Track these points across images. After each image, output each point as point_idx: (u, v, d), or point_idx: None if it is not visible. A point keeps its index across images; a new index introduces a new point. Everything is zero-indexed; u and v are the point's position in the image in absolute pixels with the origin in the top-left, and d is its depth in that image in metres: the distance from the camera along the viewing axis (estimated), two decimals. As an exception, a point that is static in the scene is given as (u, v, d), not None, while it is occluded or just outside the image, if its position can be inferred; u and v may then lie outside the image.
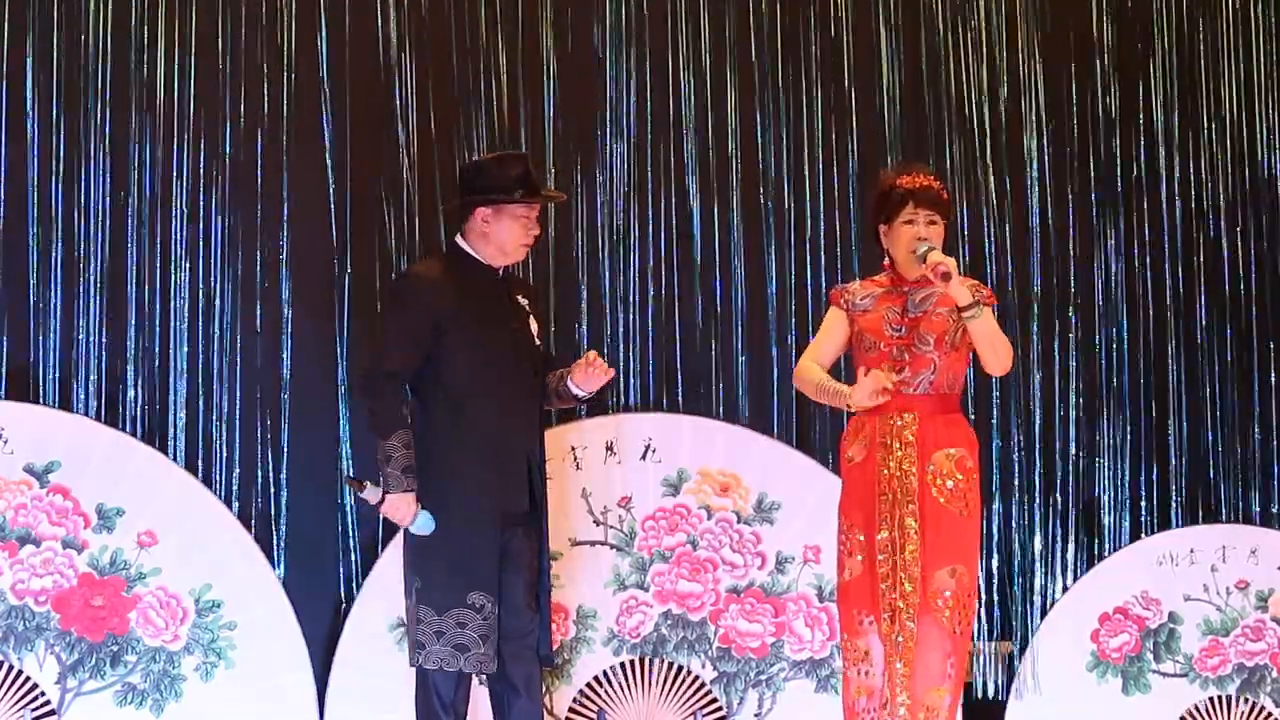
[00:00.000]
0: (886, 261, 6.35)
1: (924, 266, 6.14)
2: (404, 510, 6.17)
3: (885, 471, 6.21)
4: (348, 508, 7.55)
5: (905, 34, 8.01)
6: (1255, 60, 8.16)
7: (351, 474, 6.09)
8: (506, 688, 6.29)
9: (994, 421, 7.91)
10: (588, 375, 6.31)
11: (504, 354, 6.25)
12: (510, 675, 6.28)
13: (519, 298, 6.37)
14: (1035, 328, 7.99)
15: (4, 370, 7.45)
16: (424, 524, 6.19)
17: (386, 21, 7.72)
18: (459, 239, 6.32)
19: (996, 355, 6.20)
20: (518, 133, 7.73)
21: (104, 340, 7.50)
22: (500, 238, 6.27)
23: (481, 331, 6.22)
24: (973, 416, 7.73)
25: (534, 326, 6.37)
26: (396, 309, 6.26)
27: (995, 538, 7.84)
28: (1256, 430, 8.04)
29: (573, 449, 7.43)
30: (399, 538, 7.38)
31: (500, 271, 6.33)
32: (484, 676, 6.28)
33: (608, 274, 7.78)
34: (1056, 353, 7.99)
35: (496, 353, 6.23)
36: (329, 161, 7.66)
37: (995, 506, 7.84)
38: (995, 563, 7.84)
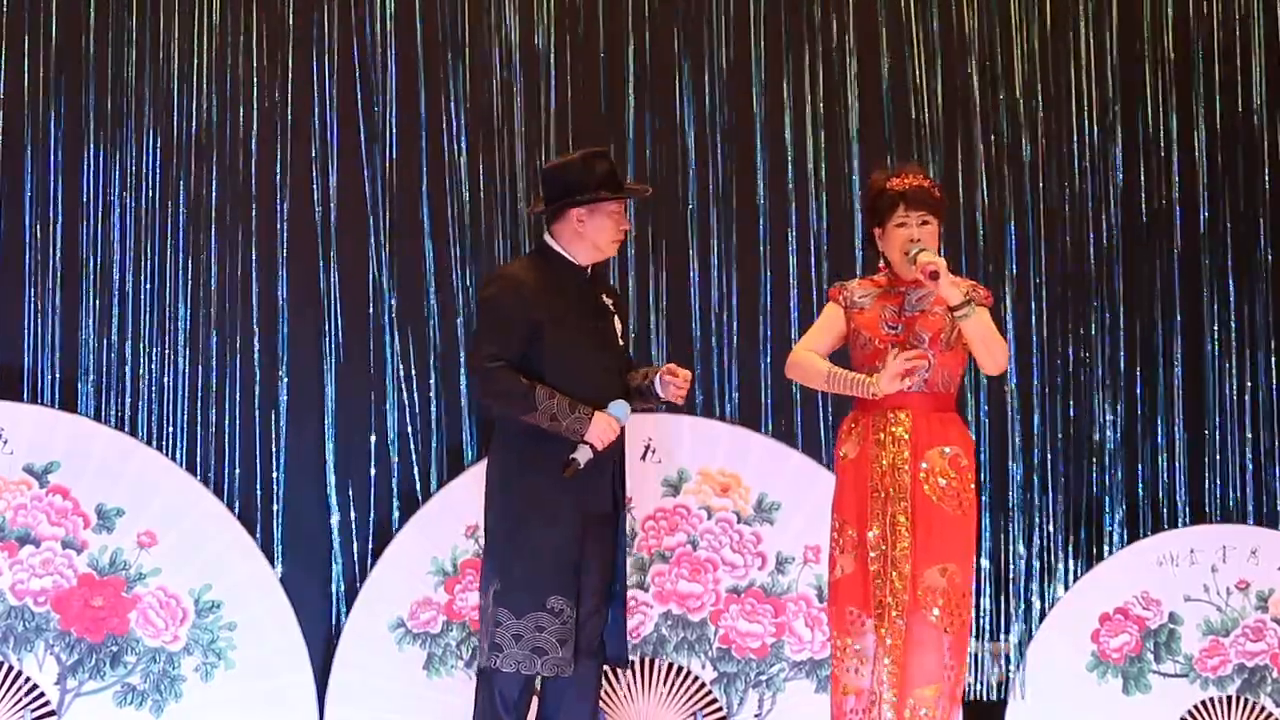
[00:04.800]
0: (882, 264, 6.36)
1: (915, 268, 6.16)
2: (606, 430, 6.15)
3: (878, 468, 6.22)
4: (346, 508, 7.56)
5: (903, 33, 8.01)
6: (1253, 59, 8.16)
7: (564, 468, 6.09)
8: (563, 685, 6.28)
9: (993, 421, 7.90)
10: (669, 388, 6.35)
11: (595, 354, 6.28)
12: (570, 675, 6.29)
13: (603, 296, 6.39)
14: (1036, 327, 7.98)
15: (3, 370, 7.45)
16: (623, 410, 6.19)
17: (383, 24, 7.72)
18: (548, 239, 6.33)
19: (991, 355, 6.21)
20: (512, 132, 7.73)
21: (104, 340, 7.50)
22: (595, 236, 6.29)
23: (574, 332, 6.24)
24: (972, 416, 7.75)
25: (618, 326, 6.39)
26: (490, 310, 6.26)
27: (995, 538, 7.84)
28: (1253, 430, 8.03)
29: (573, 449, 7.43)
30: (400, 539, 7.41)
31: (589, 270, 6.35)
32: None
33: (608, 275, 7.78)
34: (1057, 352, 7.98)
35: (588, 352, 6.26)
36: (323, 165, 7.66)
37: (995, 507, 7.84)
38: (995, 563, 7.84)
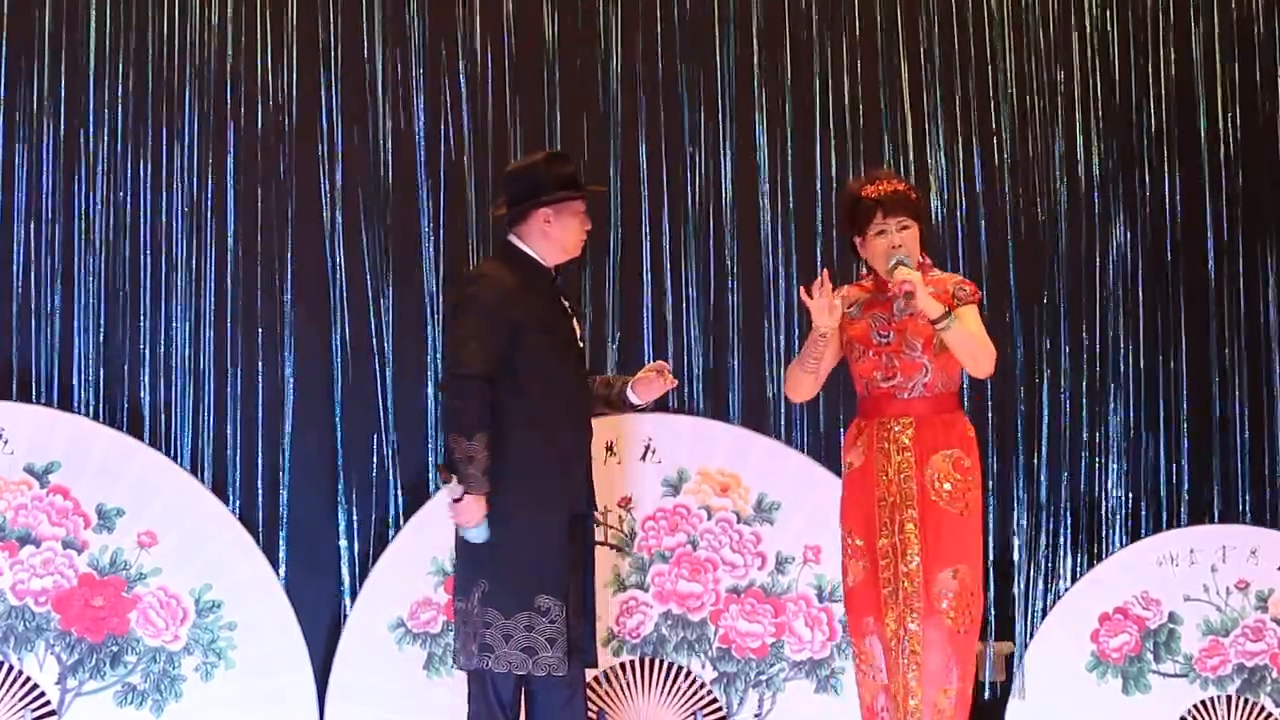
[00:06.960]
0: (864, 271, 6.36)
1: (892, 284, 6.15)
2: (475, 513, 6.13)
3: (884, 477, 6.22)
4: (347, 508, 7.56)
5: (901, 33, 8.01)
6: (1254, 60, 8.16)
7: (443, 462, 6.10)
8: (552, 686, 6.27)
9: (994, 421, 7.89)
10: (651, 386, 6.36)
11: (571, 354, 6.32)
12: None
13: (562, 298, 6.41)
14: (1037, 328, 7.98)
15: (4, 370, 7.46)
16: (480, 533, 6.16)
17: (381, 25, 7.73)
18: (514, 240, 6.33)
19: (975, 361, 6.20)
20: (511, 134, 7.73)
21: (104, 340, 7.51)
22: (562, 236, 6.31)
23: (552, 333, 6.27)
24: (973, 415, 7.74)
25: (577, 327, 6.42)
26: (473, 311, 6.21)
27: (995, 537, 7.83)
28: (1253, 430, 8.03)
29: (573, 449, 7.43)
30: (400, 539, 7.41)
31: (554, 272, 6.37)
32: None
33: (605, 275, 7.78)
34: (1057, 352, 7.98)
35: (565, 353, 6.30)
36: (327, 164, 7.66)
37: (995, 506, 7.83)
38: (996, 563, 7.83)
